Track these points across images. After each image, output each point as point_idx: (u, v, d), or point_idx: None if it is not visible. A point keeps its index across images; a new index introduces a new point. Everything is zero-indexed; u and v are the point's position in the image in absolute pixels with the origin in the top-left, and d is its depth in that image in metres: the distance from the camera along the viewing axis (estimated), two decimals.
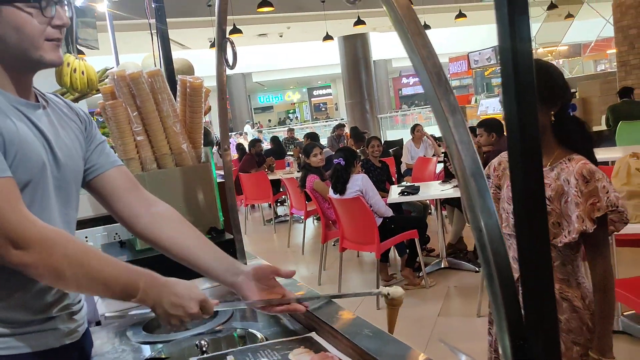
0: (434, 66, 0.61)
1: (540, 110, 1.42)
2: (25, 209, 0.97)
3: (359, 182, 4.33)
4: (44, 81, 3.70)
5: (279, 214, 8.07)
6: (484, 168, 1.68)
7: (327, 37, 11.69)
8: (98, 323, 1.62)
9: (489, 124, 4.63)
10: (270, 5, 8.41)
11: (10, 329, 1.04)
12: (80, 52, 3.22)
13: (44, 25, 1.03)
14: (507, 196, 1.56)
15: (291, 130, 15.27)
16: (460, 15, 11.43)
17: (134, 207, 1.25)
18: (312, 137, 8.72)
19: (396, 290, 1.18)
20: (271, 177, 7.54)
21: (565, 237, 1.41)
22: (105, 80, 2.34)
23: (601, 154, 5.06)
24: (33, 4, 1.02)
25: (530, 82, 0.55)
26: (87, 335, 1.28)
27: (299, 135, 17.99)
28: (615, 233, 2.78)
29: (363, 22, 10.84)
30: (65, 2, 1.08)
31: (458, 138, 0.59)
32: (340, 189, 4.32)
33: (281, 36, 16.13)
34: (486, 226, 0.57)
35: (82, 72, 2.47)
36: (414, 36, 0.62)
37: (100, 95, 2.92)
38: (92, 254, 1.02)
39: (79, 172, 1.20)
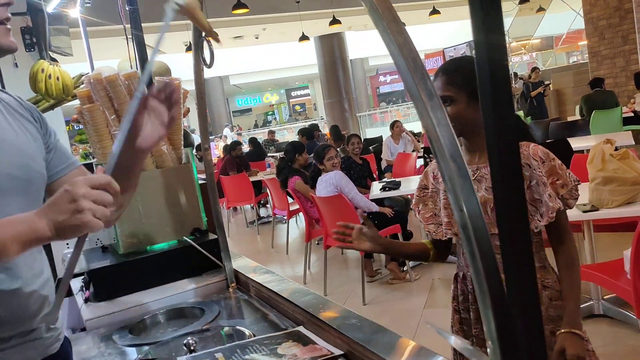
0: (410, 52, 0.62)
1: (469, 106, 1.42)
2: None
3: (333, 180, 4.34)
4: (18, 88, 3.65)
5: (261, 216, 8.05)
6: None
7: (303, 38, 11.70)
8: (83, 329, 1.61)
9: None
10: (245, 6, 8.39)
11: None
12: (53, 60, 3.18)
13: None
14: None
15: (272, 133, 15.25)
16: (435, 11, 11.55)
17: None
18: (306, 133, 8.53)
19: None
20: (252, 178, 7.52)
21: (540, 220, 1.42)
22: (82, 85, 2.32)
23: (577, 142, 5.16)
24: None
25: (505, 75, 0.56)
26: (66, 344, 1.23)
27: (278, 137, 17.97)
28: (593, 219, 2.86)
29: (339, 22, 10.88)
30: None
31: (436, 121, 0.60)
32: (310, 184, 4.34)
33: (257, 38, 16.10)
34: (466, 204, 0.58)
35: (57, 78, 2.45)
36: (390, 23, 0.64)
37: (74, 103, 2.90)
38: None
39: (42, 174, 1.10)
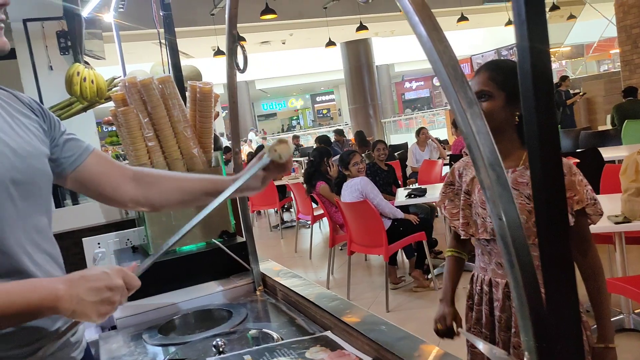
0: (451, 59, 0.62)
1: (505, 108, 1.43)
2: None
3: (358, 186, 4.34)
4: (53, 91, 3.74)
5: (285, 220, 8.08)
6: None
7: (330, 43, 11.73)
8: (113, 327, 1.64)
9: None
10: (273, 12, 8.46)
11: None
12: (86, 63, 3.26)
13: None
14: (479, 200, 1.53)
15: (297, 137, 15.34)
16: (463, 18, 11.46)
17: (121, 186, 1.19)
18: (324, 140, 8.64)
19: (277, 142, 1.12)
20: (277, 182, 7.56)
21: None
22: (116, 88, 2.37)
23: (608, 152, 5.05)
24: None
25: (548, 81, 0.56)
26: (88, 352, 1.22)
27: (302, 141, 18.03)
28: (625, 231, 2.80)
29: (365, 28, 10.89)
30: None
31: (476, 129, 0.60)
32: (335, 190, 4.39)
33: (284, 43, 16.19)
34: (506, 213, 0.58)
35: (92, 81, 2.51)
36: (430, 32, 0.64)
37: (106, 105, 2.97)
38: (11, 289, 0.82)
39: (46, 173, 1.06)
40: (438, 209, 5.65)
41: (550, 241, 0.58)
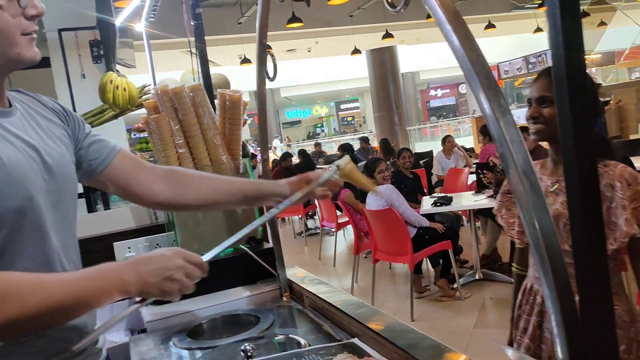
0: (483, 68, 0.62)
1: None
2: None
3: (384, 193, 4.33)
4: (85, 98, 3.83)
5: (309, 227, 8.09)
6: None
7: (355, 51, 11.76)
8: (143, 330, 1.67)
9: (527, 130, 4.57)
10: (300, 21, 8.54)
11: None
12: (117, 71, 3.35)
13: (18, 17, 0.90)
14: None
15: (318, 145, 15.41)
16: (490, 25, 11.37)
17: (150, 186, 1.19)
18: (347, 148, 8.70)
19: (342, 159, 1.17)
20: None
21: (612, 244, 1.37)
22: (147, 96, 2.43)
23: None
24: None
25: (584, 89, 0.56)
26: None
27: (326, 149, 18.07)
28: None
29: (391, 35, 10.89)
30: None
31: (509, 138, 0.61)
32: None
33: (309, 51, 16.31)
34: (539, 221, 0.58)
35: (124, 89, 2.57)
36: (463, 41, 0.64)
37: (135, 112, 3.03)
38: (49, 287, 0.82)
39: (74, 179, 1.07)
40: (463, 218, 5.61)
41: (585, 252, 0.57)
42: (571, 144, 0.55)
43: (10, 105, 0.99)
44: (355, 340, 1.26)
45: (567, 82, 0.54)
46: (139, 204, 1.25)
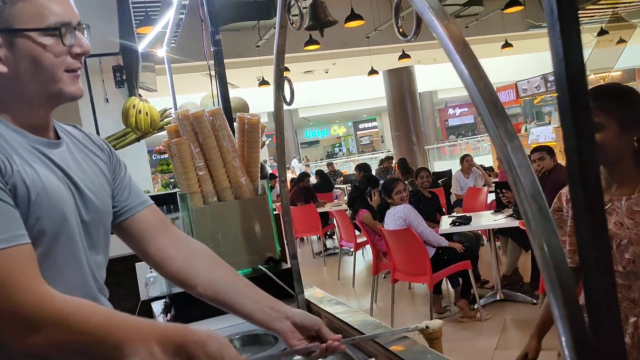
0: (491, 96, 0.65)
1: (621, 135, 1.37)
2: (43, 282, 0.85)
3: (401, 213, 4.32)
4: (108, 122, 3.94)
5: (328, 247, 8.09)
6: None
7: (372, 72, 11.84)
8: None
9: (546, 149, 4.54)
10: (317, 43, 8.65)
11: None
12: (139, 95, 3.44)
13: (63, 55, 0.94)
14: None
15: (331, 165, 15.64)
16: (507, 44, 11.38)
17: (167, 249, 1.16)
18: (364, 168, 8.72)
19: (434, 322, 1.16)
20: (320, 209, 7.61)
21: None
22: (168, 119, 2.50)
23: None
24: (51, 32, 0.92)
25: (587, 114, 0.58)
26: None
27: (344, 169, 18.13)
28: None
29: (408, 56, 10.96)
30: (84, 26, 0.98)
31: (517, 163, 0.62)
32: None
33: (327, 72, 16.45)
34: (548, 244, 0.59)
35: (147, 113, 2.64)
36: (471, 70, 0.67)
37: (156, 134, 3.11)
38: (114, 324, 0.87)
39: (109, 213, 1.10)
40: (484, 237, 5.56)
41: (594, 275, 0.59)
42: (576, 159, 0.57)
43: (58, 138, 1.03)
44: None
45: (570, 109, 0.56)
46: (149, 265, 1.20)
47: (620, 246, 1.38)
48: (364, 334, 1.36)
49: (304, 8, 1.26)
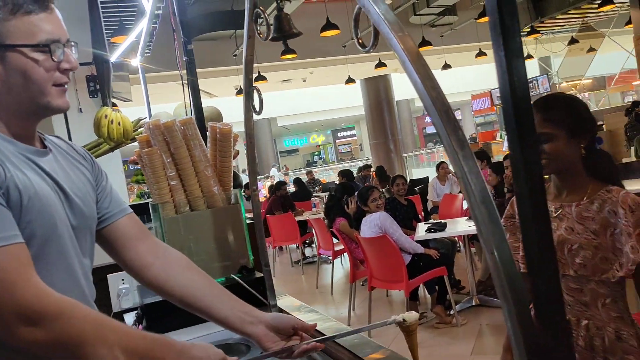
0: (443, 105, 0.67)
1: (569, 144, 1.41)
2: (38, 278, 0.89)
3: (377, 221, 4.36)
4: (82, 132, 3.90)
5: (306, 255, 8.08)
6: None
7: (349, 80, 11.94)
8: None
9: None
10: (293, 52, 8.69)
11: None
12: (113, 104, 3.42)
13: (52, 70, 0.99)
14: None
15: (310, 173, 15.66)
16: (481, 53, 11.58)
17: (145, 256, 1.19)
18: (346, 174, 8.67)
19: (410, 314, 1.18)
20: (298, 218, 7.61)
21: (618, 270, 1.37)
22: (141, 129, 2.48)
23: (632, 185, 4.98)
24: (41, 48, 0.97)
25: (530, 123, 0.61)
26: None
27: (324, 177, 18.17)
28: None
29: (384, 65, 11.07)
30: (72, 44, 1.04)
31: (467, 169, 0.65)
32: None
33: (304, 81, 16.53)
34: (497, 248, 0.62)
35: (119, 123, 2.63)
36: (424, 80, 0.69)
37: (132, 144, 3.09)
38: (107, 327, 0.91)
39: (94, 218, 1.14)
40: (460, 243, 5.62)
41: (540, 278, 0.61)
42: (522, 176, 0.59)
43: (45, 147, 1.07)
44: None
45: (514, 116, 0.58)
46: (127, 272, 1.23)
47: (571, 251, 1.42)
48: (338, 343, 1.37)
49: (270, 24, 1.28)
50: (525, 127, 0.59)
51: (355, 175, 11.61)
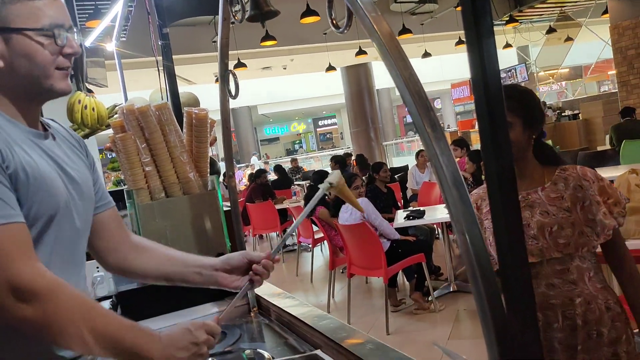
0: (415, 85, 0.67)
1: (524, 133, 1.48)
2: (36, 259, 0.92)
3: (365, 210, 4.37)
4: (54, 116, 3.82)
5: (287, 243, 8.08)
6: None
7: (330, 68, 11.89)
8: None
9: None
10: (273, 39, 8.61)
11: None
12: (89, 91, 3.34)
13: (56, 54, 1.02)
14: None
15: (295, 160, 15.48)
16: (461, 42, 11.63)
17: (116, 245, 1.23)
18: (339, 160, 8.49)
19: (333, 176, 1.16)
20: (278, 206, 7.59)
21: (596, 240, 1.43)
22: (116, 115, 2.43)
23: (607, 172, 5.07)
24: (45, 32, 1.00)
25: (501, 110, 0.61)
26: None
27: (305, 165, 18.13)
28: None
29: (364, 52, 11.04)
30: (75, 31, 1.07)
31: (439, 150, 0.64)
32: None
33: (285, 68, 16.42)
34: (467, 229, 0.62)
35: (93, 109, 2.57)
36: (397, 61, 0.69)
37: (108, 132, 3.02)
38: (97, 310, 0.93)
39: (94, 201, 1.18)
40: (438, 230, 5.68)
41: (508, 257, 0.61)
42: (492, 154, 0.59)
43: (46, 130, 1.10)
44: (318, 352, 1.28)
45: (485, 102, 0.58)
46: (97, 261, 1.27)
47: (552, 233, 1.45)
48: (313, 327, 1.37)
49: (245, 2, 1.26)
50: (498, 113, 0.59)
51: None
